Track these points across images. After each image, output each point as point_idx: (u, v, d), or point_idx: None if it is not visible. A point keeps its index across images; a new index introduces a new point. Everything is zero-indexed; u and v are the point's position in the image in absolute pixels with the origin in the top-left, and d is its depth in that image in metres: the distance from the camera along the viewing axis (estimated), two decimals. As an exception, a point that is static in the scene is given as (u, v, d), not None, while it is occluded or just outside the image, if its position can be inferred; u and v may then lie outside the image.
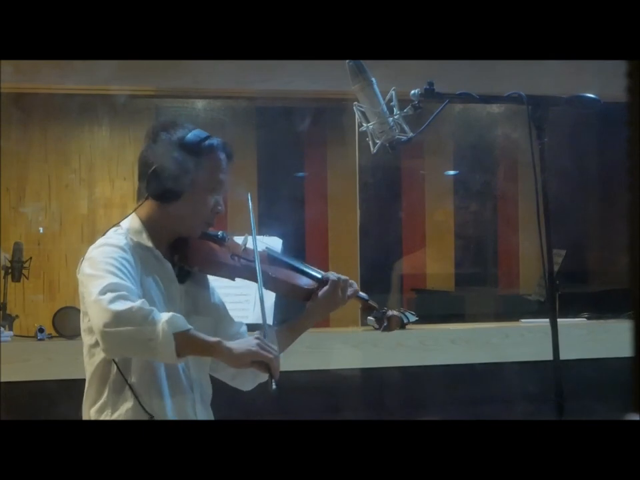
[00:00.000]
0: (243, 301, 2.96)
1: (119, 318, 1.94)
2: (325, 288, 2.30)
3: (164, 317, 1.97)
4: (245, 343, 2.07)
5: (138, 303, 1.97)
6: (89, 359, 2.19)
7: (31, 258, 4.12)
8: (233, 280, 2.31)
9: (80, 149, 5.98)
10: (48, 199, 5.87)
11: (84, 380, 2.22)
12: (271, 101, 5.57)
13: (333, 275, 2.33)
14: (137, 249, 2.16)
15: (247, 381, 2.37)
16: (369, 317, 4.13)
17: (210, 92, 5.36)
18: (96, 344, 2.12)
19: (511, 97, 2.20)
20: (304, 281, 2.32)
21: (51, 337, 3.76)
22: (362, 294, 2.44)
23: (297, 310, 2.36)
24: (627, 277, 1.02)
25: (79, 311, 3.78)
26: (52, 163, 5.92)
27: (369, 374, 3.92)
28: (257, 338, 2.07)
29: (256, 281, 2.21)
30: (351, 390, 3.90)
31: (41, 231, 5.83)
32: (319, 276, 2.33)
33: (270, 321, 2.70)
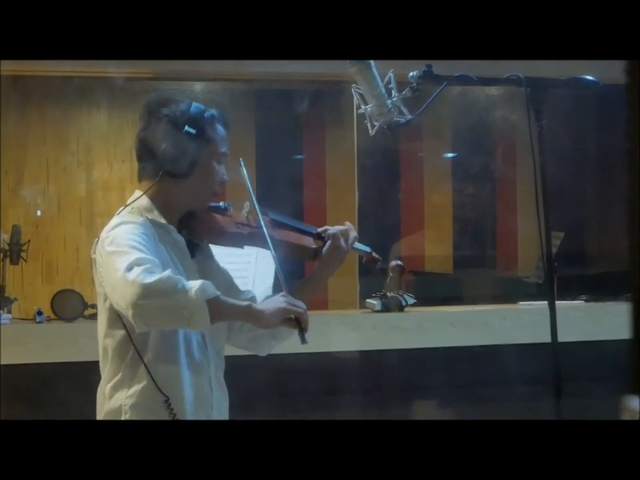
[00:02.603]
0: (242, 276, 2.96)
1: (149, 290, 1.93)
2: (329, 243, 2.31)
3: (194, 284, 1.96)
4: (274, 302, 2.07)
5: (165, 273, 1.96)
6: (109, 339, 2.18)
7: (29, 240, 4.12)
8: (242, 248, 2.32)
9: (78, 132, 5.96)
10: (46, 182, 5.86)
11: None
12: (269, 84, 5.56)
13: (331, 229, 2.33)
14: (152, 226, 2.17)
15: (264, 345, 2.37)
16: (367, 300, 4.15)
17: (208, 74, 5.35)
18: (116, 322, 2.13)
19: (510, 79, 2.19)
20: (309, 241, 2.33)
21: (49, 319, 3.77)
22: (364, 247, 2.43)
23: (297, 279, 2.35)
24: (626, 260, 1.02)
25: (77, 293, 3.77)
26: (50, 145, 5.91)
27: (367, 356, 3.93)
28: (283, 295, 2.08)
29: (263, 246, 2.22)
30: (350, 372, 3.91)
31: (39, 214, 5.83)
32: (315, 232, 2.33)
33: (270, 292, 2.71)
